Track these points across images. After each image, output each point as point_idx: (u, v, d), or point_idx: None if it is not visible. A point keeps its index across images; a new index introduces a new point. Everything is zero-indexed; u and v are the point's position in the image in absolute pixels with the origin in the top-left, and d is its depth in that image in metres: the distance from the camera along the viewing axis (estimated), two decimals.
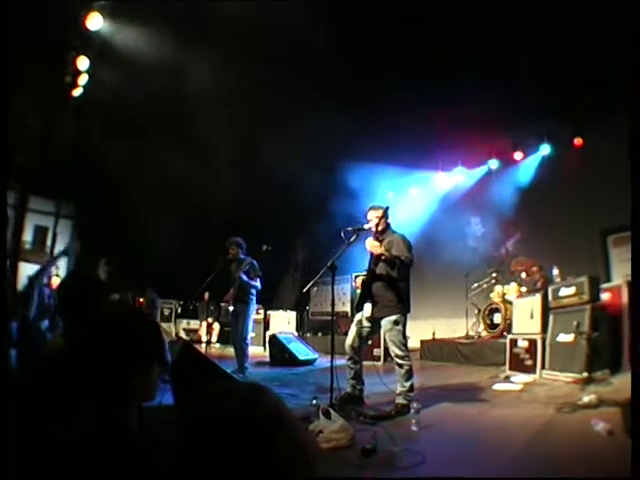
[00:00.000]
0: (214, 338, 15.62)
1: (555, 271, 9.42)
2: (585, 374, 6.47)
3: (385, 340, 6.52)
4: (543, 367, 7.57)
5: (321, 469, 3.87)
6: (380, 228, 6.34)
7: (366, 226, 6.39)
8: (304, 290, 7.38)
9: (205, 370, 5.06)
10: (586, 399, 5.42)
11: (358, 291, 6.62)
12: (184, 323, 17.20)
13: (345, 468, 3.88)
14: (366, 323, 6.31)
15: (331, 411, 4.70)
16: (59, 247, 14.75)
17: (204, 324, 15.18)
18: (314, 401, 5.22)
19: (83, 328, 1.93)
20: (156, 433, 1.67)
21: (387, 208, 6.29)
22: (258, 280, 9.34)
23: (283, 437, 1.14)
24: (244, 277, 9.10)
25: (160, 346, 1.98)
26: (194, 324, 17.11)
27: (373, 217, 6.37)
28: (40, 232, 16.42)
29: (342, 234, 6.37)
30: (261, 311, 14.89)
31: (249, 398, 1.19)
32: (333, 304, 6.65)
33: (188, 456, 1.10)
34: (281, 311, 15.64)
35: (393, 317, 6.09)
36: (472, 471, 3.75)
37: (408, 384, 6.00)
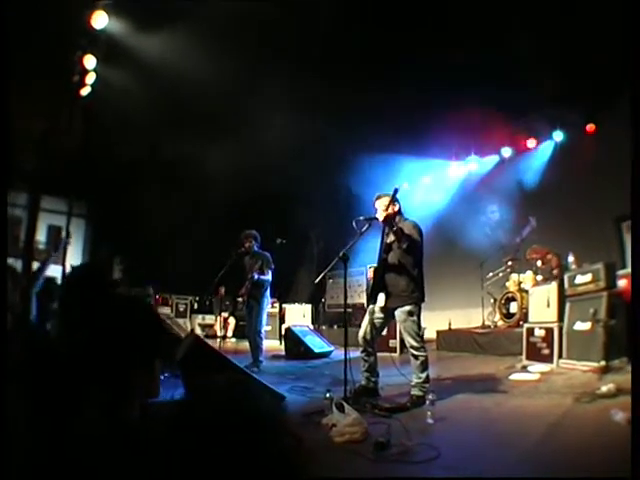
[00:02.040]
0: (230, 333, 15.64)
1: (571, 258, 9.33)
2: (603, 363, 6.40)
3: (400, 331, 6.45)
4: (560, 356, 7.49)
5: (334, 463, 3.79)
6: (390, 214, 6.11)
7: (378, 215, 6.27)
8: (315, 281, 7.32)
9: (216, 364, 5.02)
10: (604, 388, 5.34)
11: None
12: (199, 318, 17.24)
13: (359, 462, 3.82)
14: (379, 314, 6.24)
15: (344, 404, 4.64)
16: (72, 246, 14.79)
17: (219, 319, 15.15)
18: (328, 394, 5.16)
19: (86, 322, 1.91)
20: (159, 428, 1.64)
21: (396, 191, 6.05)
22: (269, 273, 9.29)
23: (273, 430, 1.14)
24: (256, 276, 9.09)
25: (162, 342, 1.95)
26: (209, 319, 17.12)
27: (381, 206, 6.25)
28: (54, 231, 16.48)
29: (354, 224, 6.29)
30: (276, 305, 14.88)
31: (235, 394, 1.18)
32: (346, 295, 6.57)
33: (180, 452, 1.10)
34: (296, 304, 15.61)
35: (407, 307, 6.01)
36: (488, 465, 3.68)
37: (424, 375, 5.92)
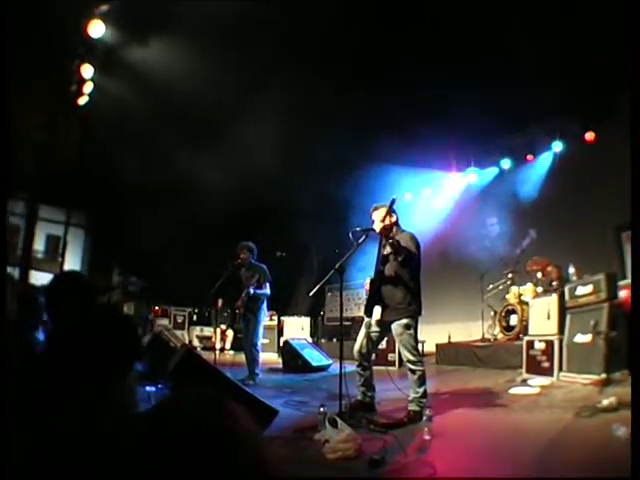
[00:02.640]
0: (228, 345, 15.53)
1: (571, 269, 9.23)
2: (604, 375, 6.28)
3: None
4: (561, 369, 7.37)
5: None
6: (387, 225, 6.02)
7: (375, 226, 6.15)
8: (310, 294, 7.20)
9: (207, 376, 4.91)
10: (605, 402, 5.22)
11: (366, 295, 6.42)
12: (197, 330, 17.11)
13: None
14: (375, 327, 6.11)
15: (338, 420, 4.52)
16: (69, 256, 14.75)
17: (218, 331, 15.05)
18: (321, 409, 5.04)
19: (55, 332, 1.84)
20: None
21: (393, 201, 5.93)
22: (268, 286, 9.19)
23: (234, 453, 1.05)
24: (252, 291, 9.00)
25: (136, 352, 1.87)
26: (208, 331, 17.00)
27: (378, 217, 6.14)
28: (52, 241, 16.47)
29: (350, 235, 6.17)
30: (275, 317, 14.79)
31: (197, 413, 1.10)
32: (341, 308, 6.47)
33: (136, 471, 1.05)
34: (295, 317, 15.51)
35: (404, 320, 5.88)
36: None
37: (421, 390, 5.79)
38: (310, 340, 13.56)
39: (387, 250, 6.09)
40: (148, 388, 6.39)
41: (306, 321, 15.38)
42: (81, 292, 2.84)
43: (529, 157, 13.26)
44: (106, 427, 1.65)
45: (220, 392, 1.18)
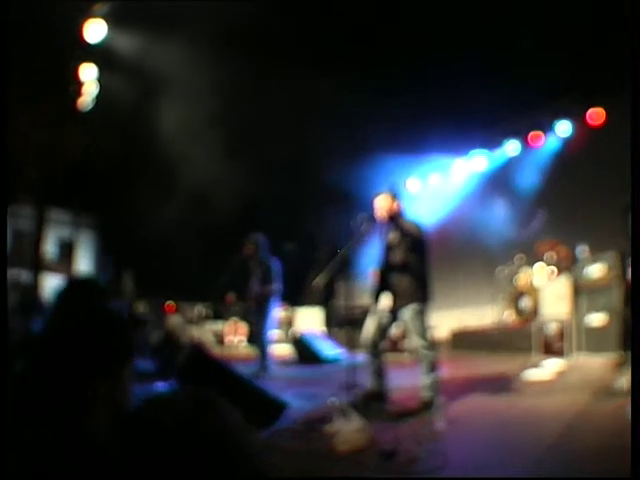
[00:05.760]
0: (242, 338, 15.53)
1: (582, 249, 9.14)
2: (619, 354, 6.19)
3: None
4: (575, 350, 7.30)
5: (337, 473, 3.58)
6: (391, 214, 5.88)
7: (378, 214, 6.04)
8: (314, 284, 7.14)
9: (214, 371, 4.85)
10: (621, 382, 5.13)
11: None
12: (211, 325, 17.09)
13: (362, 472, 3.64)
14: (384, 315, 6.04)
15: (348, 410, 4.46)
16: (80, 257, 14.79)
17: (230, 325, 15.05)
18: (332, 400, 4.99)
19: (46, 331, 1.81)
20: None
21: (393, 185, 5.78)
22: (277, 283, 9.06)
23: (226, 453, 1.04)
24: (258, 290, 9.01)
25: (129, 349, 1.82)
26: (221, 325, 16.98)
27: (381, 205, 6.03)
28: (64, 243, 16.49)
29: (353, 224, 6.08)
30: (287, 309, 14.77)
31: (190, 412, 1.08)
32: (347, 297, 6.46)
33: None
34: (308, 308, 15.46)
35: (412, 306, 5.78)
36: (499, 473, 3.48)
37: (433, 376, 5.70)
38: (323, 330, 13.52)
39: (392, 237, 6.02)
40: (160, 386, 6.36)
41: (319, 311, 15.33)
42: (91, 296, 2.83)
43: (536, 138, 13.13)
44: (96, 428, 1.61)
45: (222, 389, 1.14)
